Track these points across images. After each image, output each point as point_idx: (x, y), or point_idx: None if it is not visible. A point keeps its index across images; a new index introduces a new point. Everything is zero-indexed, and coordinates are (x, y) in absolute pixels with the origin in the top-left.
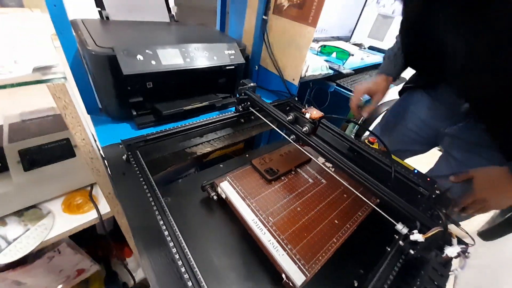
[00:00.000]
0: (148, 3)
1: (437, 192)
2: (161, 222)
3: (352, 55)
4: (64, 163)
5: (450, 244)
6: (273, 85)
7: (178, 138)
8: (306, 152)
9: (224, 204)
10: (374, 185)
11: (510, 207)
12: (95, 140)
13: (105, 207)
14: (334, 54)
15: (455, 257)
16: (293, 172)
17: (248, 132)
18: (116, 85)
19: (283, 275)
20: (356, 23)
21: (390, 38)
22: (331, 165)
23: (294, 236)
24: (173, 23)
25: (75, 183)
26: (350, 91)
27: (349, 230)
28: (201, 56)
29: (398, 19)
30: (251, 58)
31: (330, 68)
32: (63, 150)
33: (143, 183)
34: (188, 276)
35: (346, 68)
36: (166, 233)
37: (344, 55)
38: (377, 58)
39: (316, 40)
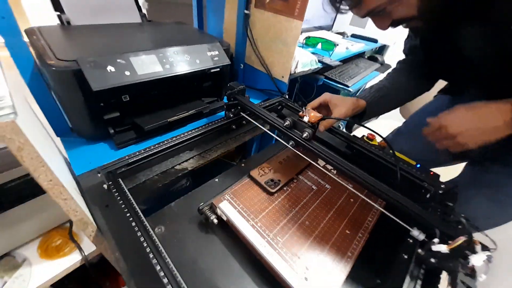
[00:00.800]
0: (114, 3)
1: (443, 186)
2: (154, 261)
3: (337, 45)
4: (34, 201)
5: (473, 251)
6: (261, 84)
7: (165, 155)
8: (305, 158)
9: (226, 226)
10: (382, 189)
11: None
12: (69, 168)
13: (89, 245)
14: (319, 45)
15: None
16: (295, 180)
17: (241, 138)
18: (86, 103)
19: None
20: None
21: (371, 25)
22: (332, 168)
23: (308, 257)
24: (145, 24)
25: (50, 222)
26: (339, 83)
27: (362, 239)
28: (181, 61)
29: None
30: (235, 57)
31: (319, 61)
32: (31, 187)
33: (130, 219)
34: None
35: (333, 59)
36: (161, 274)
37: (330, 45)
38: (362, 46)
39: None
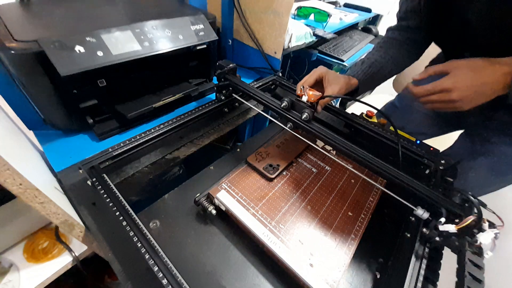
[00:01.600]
0: None
1: (443, 162)
2: (151, 262)
3: (331, 15)
4: (12, 203)
5: (481, 230)
6: (252, 61)
7: (154, 145)
8: (304, 139)
9: (226, 217)
10: (384, 168)
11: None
12: (47, 164)
13: (80, 245)
14: (311, 16)
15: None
16: (294, 164)
17: (234, 121)
18: (56, 90)
19: None
20: None
21: None
22: (331, 148)
23: (312, 242)
24: None
25: (34, 224)
26: (334, 57)
27: (364, 221)
28: (162, 37)
29: None
30: (222, 31)
31: (314, 34)
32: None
33: (120, 217)
34: None
35: (327, 31)
36: (160, 274)
37: (323, 16)
38: (355, 16)
39: None
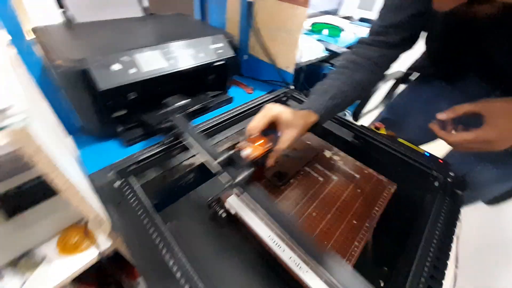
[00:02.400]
0: None
1: (451, 174)
2: (167, 257)
3: (343, 30)
4: (50, 201)
5: None
6: (266, 75)
7: (173, 151)
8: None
9: (235, 220)
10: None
11: None
12: (81, 167)
13: (106, 241)
14: (325, 31)
15: None
16: (302, 173)
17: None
18: (94, 101)
19: None
20: None
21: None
22: (339, 158)
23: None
24: (147, 17)
25: (67, 220)
26: None
27: (369, 229)
28: (186, 55)
29: None
30: (239, 47)
31: (326, 49)
32: (47, 187)
33: (142, 216)
34: None
35: (340, 46)
36: (174, 269)
37: (336, 31)
38: None
39: None
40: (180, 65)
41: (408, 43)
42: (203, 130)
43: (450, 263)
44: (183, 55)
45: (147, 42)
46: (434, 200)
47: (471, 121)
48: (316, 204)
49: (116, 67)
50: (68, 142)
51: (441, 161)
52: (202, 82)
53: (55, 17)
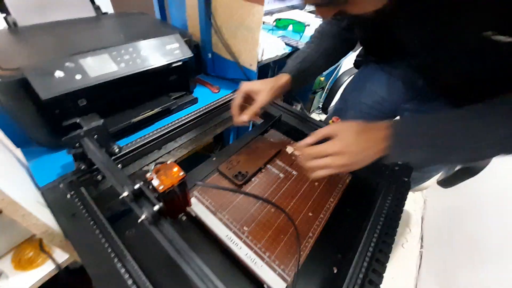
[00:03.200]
0: None
1: (398, 162)
2: (119, 265)
3: (308, 25)
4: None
5: None
6: (231, 73)
7: (132, 157)
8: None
9: (197, 222)
10: None
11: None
12: (32, 179)
13: (62, 254)
14: (290, 27)
15: None
16: (263, 170)
17: (212, 131)
18: (39, 112)
19: (265, 286)
20: None
21: None
22: (300, 153)
23: (272, 241)
24: (100, 17)
25: (20, 236)
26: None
27: (323, 220)
28: (138, 58)
29: None
30: (202, 46)
31: (287, 44)
32: None
33: (94, 227)
34: None
35: (302, 42)
36: (126, 277)
37: (301, 27)
38: None
39: (270, 13)
40: (132, 68)
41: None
42: (165, 133)
43: (416, 244)
44: (135, 58)
45: (95, 45)
46: (382, 188)
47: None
48: (275, 201)
49: (58, 74)
50: (14, 155)
51: None
52: (163, 84)
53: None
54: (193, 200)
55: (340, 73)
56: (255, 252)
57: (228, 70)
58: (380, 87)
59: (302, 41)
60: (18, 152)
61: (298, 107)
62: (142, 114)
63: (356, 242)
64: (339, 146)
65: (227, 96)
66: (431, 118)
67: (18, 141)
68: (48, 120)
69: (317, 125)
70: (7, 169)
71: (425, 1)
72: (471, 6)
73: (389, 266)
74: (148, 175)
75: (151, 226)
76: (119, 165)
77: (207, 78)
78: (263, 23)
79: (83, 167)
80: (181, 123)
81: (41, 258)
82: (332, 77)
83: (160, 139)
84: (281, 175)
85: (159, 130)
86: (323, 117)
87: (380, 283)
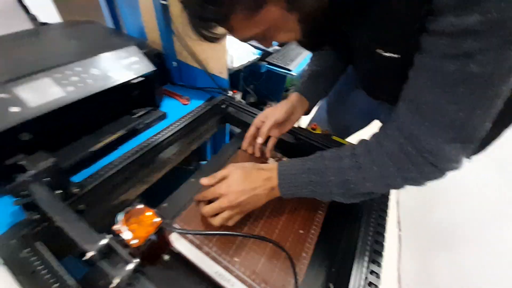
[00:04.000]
0: None
1: None
2: None
3: None
4: None
5: None
6: (200, 82)
7: (97, 194)
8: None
9: (182, 259)
10: None
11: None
12: None
13: None
14: None
15: None
16: None
17: (186, 148)
18: None
19: None
20: None
21: None
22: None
23: (265, 270)
24: (38, 30)
25: None
26: (281, 67)
27: (314, 236)
28: (89, 78)
29: None
30: (164, 54)
31: (257, 48)
32: None
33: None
34: None
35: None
36: None
37: None
38: None
39: None
40: (82, 92)
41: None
42: (131, 161)
43: (394, 227)
44: (85, 79)
45: (32, 68)
46: None
47: None
48: (263, 222)
49: None
50: None
51: None
52: (123, 102)
53: None
54: (174, 236)
55: None
56: (250, 286)
57: (197, 79)
58: (355, 93)
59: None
60: None
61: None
62: (102, 141)
63: (350, 251)
64: (224, 187)
65: (199, 108)
66: (304, 159)
67: None
68: None
69: (295, 131)
70: None
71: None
72: (363, 25)
73: None
74: (115, 227)
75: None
76: (81, 205)
77: (174, 88)
78: None
79: (35, 217)
80: (151, 146)
81: None
82: None
83: (127, 169)
84: None
85: (125, 156)
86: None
87: (379, 283)
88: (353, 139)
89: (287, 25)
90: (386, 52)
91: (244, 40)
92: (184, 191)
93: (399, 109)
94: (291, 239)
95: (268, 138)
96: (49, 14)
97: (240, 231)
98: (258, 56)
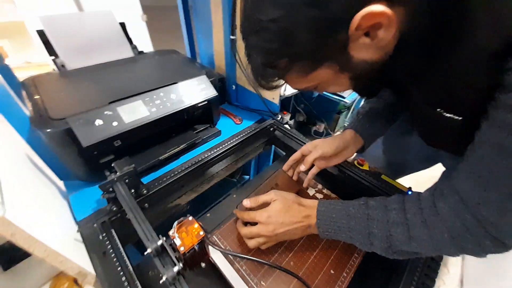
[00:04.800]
0: (106, 40)
1: None
2: None
3: None
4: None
5: None
6: (254, 104)
7: (159, 196)
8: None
9: (215, 270)
10: None
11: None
12: (72, 214)
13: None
14: None
15: None
16: None
17: (234, 165)
18: (79, 155)
19: None
20: None
21: None
22: (322, 196)
23: None
24: (136, 58)
25: (55, 270)
26: (335, 94)
27: (346, 280)
28: (168, 101)
29: None
30: (226, 78)
31: None
32: None
33: (120, 272)
34: None
35: None
36: None
37: None
38: None
39: None
40: (162, 112)
41: None
42: (189, 171)
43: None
44: (165, 102)
45: (130, 91)
46: None
47: None
48: (294, 252)
49: (98, 122)
50: (58, 187)
51: None
52: (188, 120)
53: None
54: (212, 248)
55: (363, 101)
56: None
57: (251, 101)
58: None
59: None
60: (61, 184)
61: (321, 127)
62: (169, 151)
63: None
64: (265, 215)
65: (248, 129)
66: (346, 203)
67: (61, 174)
68: (87, 160)
69: (340, 164)
70: (49, 211)
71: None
72: (423, 85)
73: None
74: (170, 232)
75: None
76: (146, 204)
77: (230, 108)
78: None
79: (114, 208)
80: (205, 160)
81: None
82: (356, 99)
83: (184, 178)
84: None
85: (183, 167)
86: None
87: None
88: (405, 180)
89: (339, 81)
90: (447, 113)
91: (298, 90)
92: (226, 205)
93: (460, 172)
94: (321, 277)
95: (312, 166)
96: (145, 43)
97: (270, 256)
98: None
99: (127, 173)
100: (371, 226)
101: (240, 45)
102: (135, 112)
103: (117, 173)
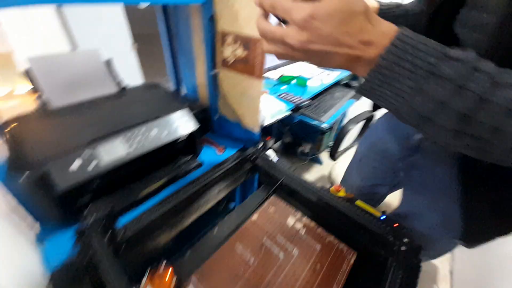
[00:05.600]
0: (90, 76)
1: (405, 241)
2: None
3: (310, 78)
4: None
5: None
6: (236, 132)
7: (138, 234)
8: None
9: None
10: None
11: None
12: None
13: None
14: (294, 81)
15: None
16: (263, 247)
17: (215, 196)
18: (57, 197)
19: None
20: None
21: None
22: (301, 225)
23: None
24: (119, 94)
25: None
26: (314, 118)
27: None
28: (148, 137)
29: None
30: (210, 108)
31: (290, 102)
32: None
33: None
34: None
35: (304, 98)
36: None
37: (303, 81)
38: (337, 74)
39: (275, 68)
40: (142, 149)
41: None
42: (168, 209)
43: None
44: (145, 138)
45: (112, 127)
46: (389, 270)
47: None
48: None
49: (76, 164)
50: (31, 232)
51: (396, 225)
52: (170, 154)
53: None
54: None
55: (345, 121)
56: None
57: (233, 130)
58: (382, 140)
59: (304, 97)
60: (37, 226)
61: (307, 148)
62: (149, 187)
63: None
64: (307, 13)
65: (230, 159)
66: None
67: (36, 217)
68: (60, 205)
69: (317, 192)
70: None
71: None
72: None
73: None
74: (142, 282)
75: None
76: (123, 245)
77: (213, 137)
78: (267, 78)
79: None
80: (187, 195)
81: None
82: (338, 122)
83: (164, 215)
84: (281, 255)
85: (163, 204)
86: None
87: None
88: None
89: None
90: None
91: None
92: (205, 242)
93: None
94: None
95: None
96: (135, 72)
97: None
98: (288, 114)
99: (104, 216)
100: (472, 79)
101: (222, 78)
102: (115, 150)
103: (91, 218)
